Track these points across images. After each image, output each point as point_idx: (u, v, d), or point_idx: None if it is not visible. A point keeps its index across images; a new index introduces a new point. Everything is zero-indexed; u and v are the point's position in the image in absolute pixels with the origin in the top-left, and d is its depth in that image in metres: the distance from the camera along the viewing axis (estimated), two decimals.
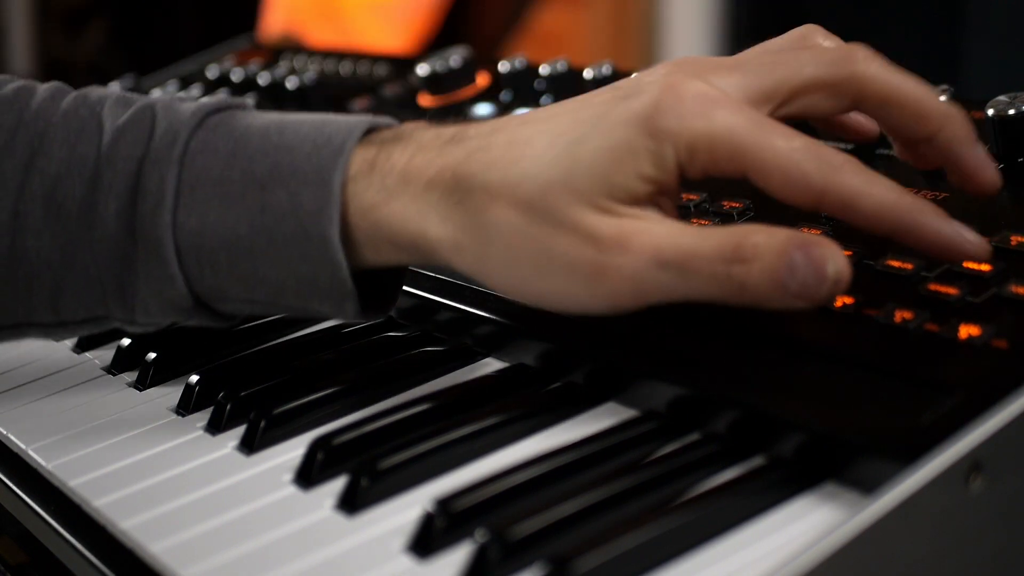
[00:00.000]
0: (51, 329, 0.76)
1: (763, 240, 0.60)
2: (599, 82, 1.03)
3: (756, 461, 0.61)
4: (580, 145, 0.64)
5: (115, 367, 0.84)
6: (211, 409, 0.74)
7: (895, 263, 0.66)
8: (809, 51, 0.69)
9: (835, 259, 0.59)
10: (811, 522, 0.56)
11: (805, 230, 0.72)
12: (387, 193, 0.68)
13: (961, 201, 0.72)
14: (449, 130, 0.70)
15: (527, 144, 0.66)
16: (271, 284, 0.71)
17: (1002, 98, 0.75)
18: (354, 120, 0.71)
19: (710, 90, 0.63)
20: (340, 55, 1.42)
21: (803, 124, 0.68)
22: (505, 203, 0.64)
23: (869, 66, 0.66)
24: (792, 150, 0.62)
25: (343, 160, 0.69)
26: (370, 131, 0.71)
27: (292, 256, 0.69)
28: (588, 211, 0.63)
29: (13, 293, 0.74)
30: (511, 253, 0.65)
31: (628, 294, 0.63)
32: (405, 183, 0.68)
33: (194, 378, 0.77)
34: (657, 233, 0.62)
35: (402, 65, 1.32)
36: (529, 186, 0.64)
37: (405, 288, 0.82)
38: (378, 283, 0.74)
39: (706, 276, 0.61)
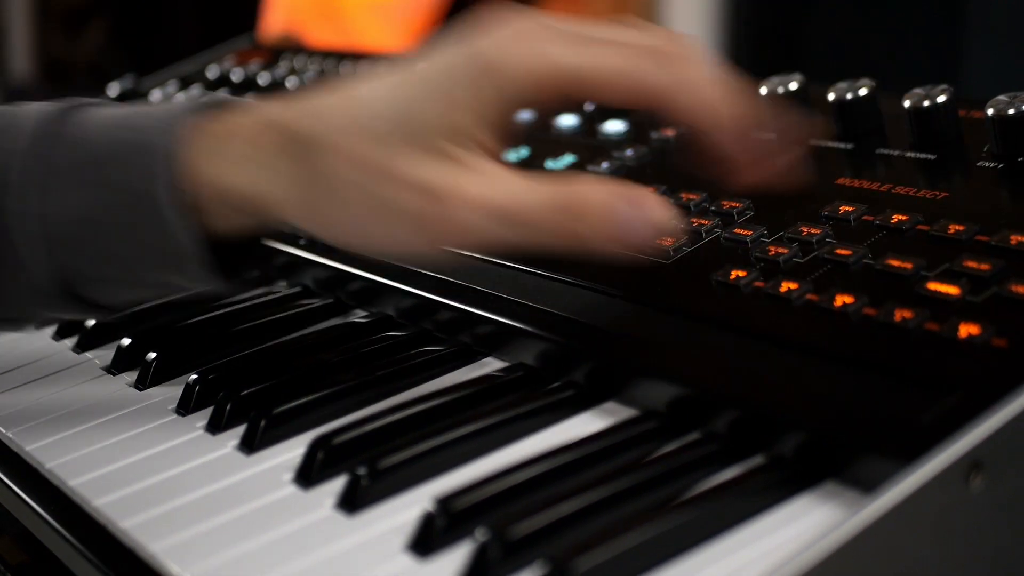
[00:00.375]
0: None
1: (592, 194, 0.64)
2: None
3: (756, 460, 0.61)
4: (413, 93, 0.67)
5: (115, 367, 0.84)
6: (211, 409, 0.74)
7: (895, 262, 0.66)
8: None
9: (657, 209, 0.65)
10: (811, 521, 0.56)
11: (805, 230, 0.72)
12: (227, 160, 0.70)
13: (961, 201, 0.72)
14: (286, 98, 0.72)
15: (360, 99, 0.68)
16: (127, 260, 0.73)
17: (1002, 98, 0.75)
18: (194, 100, 0.74)
19: (535, 26, 0.67)
20: (340, 55, 1.42)
21: None
22: (340, 155, 0.67)
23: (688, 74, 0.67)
24: (616, 58, 0.66)
25: (181, 132, 0.71)
26: (211, 108, 0.73)
27: (141, 230, 0.71)
28: (423, 160, 0.65)
29: None
30: (348, 204, 0.67)
31: (461, 243, 0.66)
32: (244, 148, 0.70)
33: (194, 378, 0.77)
34: (492, 185, 0.65)
35: None
36: (363, 137, 0.66)
37: (405, 288, 0.82)
38: (236, 253, 0.76)
39: (540, 229, 0.64)
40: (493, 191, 0.65)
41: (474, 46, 0.67)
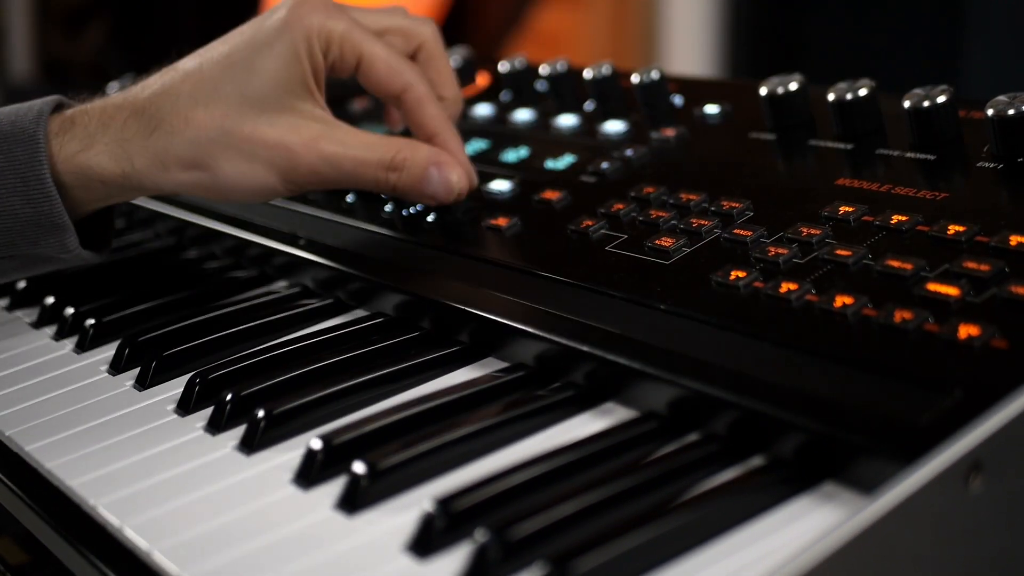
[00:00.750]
0: None
1: (411, 155, 0.85)
2: (599, 82, 1.03)
3: (755, 461, 0.61)
4: (246, 57, 0.82)
5: (115, 367, 0.84)
6: (211, 409, 0.74)
7: (895, 263, 0.66)
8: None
9: (459, 177, 0.86)
10: (811, 522, 0.56)
11: (805, 230, 0.72)
12: (89, 139, 0.81)
13: (961, 202, 0.72)
14: (138, 81, 0.85)
15: (199, 70, 0.82)
16: (5, 235, 0.82)
17: (1002, 98, 0.75)
18: (52, 97, 0.85)
19: (332, 2, 0.85)
20: None
21: None
22: (190, 125, 0.81)
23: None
24: (390, 54, 0.87)
25: (43, 119, 0.82)
26: (64, 105, 0.85)
27: (15, 204, 0.81)
28: (268, 117, 0.82)
29: None
30: (203, 167, 0.81)
31: (304, 186, 0.84)
32: (103, 128, 0.82)
33: (194, 378, 0.77)
34: (332, 139, 0.83)
35: None
36: (209, 105, 0.81)
37: (399, 287, 0.82)
38: (96, 226, 0.88)
39: (367, 178, 0.84)
40: (334, 147, 0.82)
41: (280, 13, 0.83)
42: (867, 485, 0.56)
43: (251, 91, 0.81)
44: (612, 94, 1.03)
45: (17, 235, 0.82)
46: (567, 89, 1.05)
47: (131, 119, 0.82)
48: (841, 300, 0.65)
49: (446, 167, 0.85)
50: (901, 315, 0.62)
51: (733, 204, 0.78)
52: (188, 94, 0.82)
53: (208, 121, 0.81)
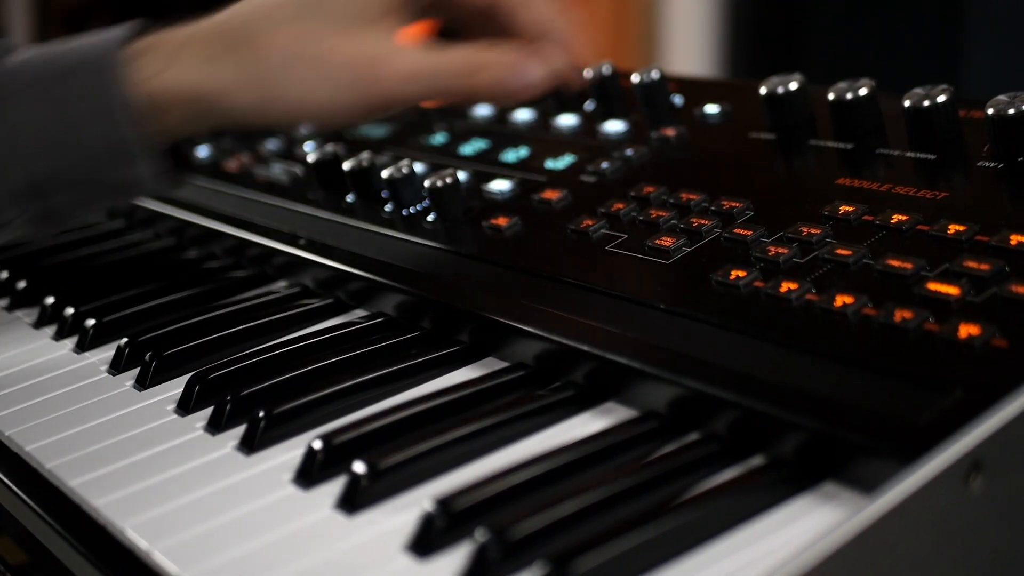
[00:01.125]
0: None
1: (486, 57, 0.83)
2: (599, 82, 1.03)
3: (756, 461, 0.61)
4: None
5: (115, 367, 0.84)
6: (211, 409, 0.74)
7: (895, 263, 0.66)
8: None
9: (536, 71, 0.83)
10: (811, 522, 0.56)
11: (805, 230, 0.72)
12: (168, 60, 0.81)
13: (961, 201, 0.72)
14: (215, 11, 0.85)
15: None
16: (84, 163, 0.81)
17: (1002, 98, 0.75)
18: (128, 24, 0.84)
19: None
20: None
21: None
22: (277, 39, 0.80)
23: None
24: None
25: (121, 44, 0.81)
26: (145, 30, 0.84)
27: (91, 131, 0.80)
28: (350, 34, 0.81)
29: None
30: (289, 82, 0.80)
31: (389, 102, 0.82)
32: (183, 49, 0.81)
33: (194, 377, 0.77)
34: (408, 56, 0.82)
35: None
36: (295, 22, 0.81)
37: (399, 287, 0.82)
38: (171, 159, 0.86)
39: (444, 86, 0.83)
40: (415, 60, 0.82)
41: None
42: (867, 485, 0.56)
43: (331, 11, 0.81)
44: (612, 94, 1.03)
45: (91, 163, 0.82)
46: (567, 89, 1.05)
47: (212, 40, 0.82)
48: (841, 299, 0.65)
49: (521, 63, 0.83)
50: (901, 315, 0.62)
51: (733, 204, 0.78)
52: (269, 15, 0.82)
53: (289, 41, 0.81)
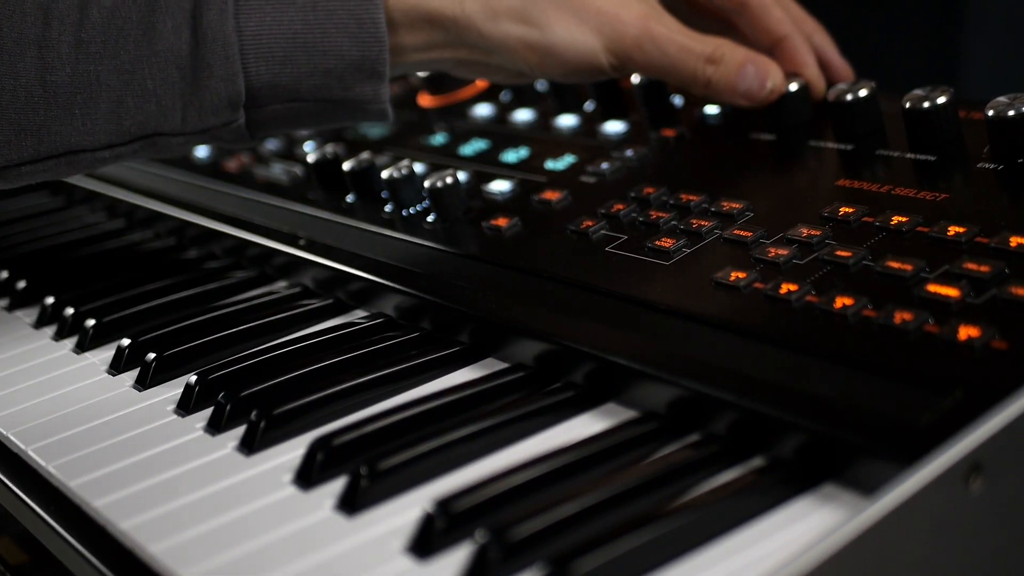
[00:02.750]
0: (99, 153, 0.82)
1: (730, 51, 0.86)
2: (599, 82, 1.03)
3: (756, 462, 0.61)
4: None
5: (115, 367, 0.84)
6: (211, 409, 0.74)
7: (895, 264, 0.66)
8: None
9: (775, 76, 0.87)
10: (811, 523, 0.56)
11: (805, 231, 0.72)
12: None
13: (961, 203, 0.72)
14: None
15: None
16: (321, 74, 0.82)
17: (1002, 99, 0.75)
18: None
19: None
20: None
21: None
22: None
23: None
24: None
25: None
26: None
27: (343, 45, 0.81)
28: None
29: (69, 119, 0.81)
30: (537, 17, 0.83)
31: (625, 63, 0.85)
32: None
33: (193, 378, 0.77)
34: (660, 21, 0.85)
35: None
36: None
37: (399, 287, 0.83)
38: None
39: (686, 66, 0.85)
40: (668, 28, 0.85)
41: None
42: (867, 486, 0.56)
43: None
44: (612, 94, 1.03)
45: (336, 78, 0.83)
46: (567, 89, 1.05)
47: None
48: (841, 301, 0.65)
49: (763, 65, 0.86)
50: (901, 316, 0.62)
51: (733, 204, 0.78)
52: None
53: None
